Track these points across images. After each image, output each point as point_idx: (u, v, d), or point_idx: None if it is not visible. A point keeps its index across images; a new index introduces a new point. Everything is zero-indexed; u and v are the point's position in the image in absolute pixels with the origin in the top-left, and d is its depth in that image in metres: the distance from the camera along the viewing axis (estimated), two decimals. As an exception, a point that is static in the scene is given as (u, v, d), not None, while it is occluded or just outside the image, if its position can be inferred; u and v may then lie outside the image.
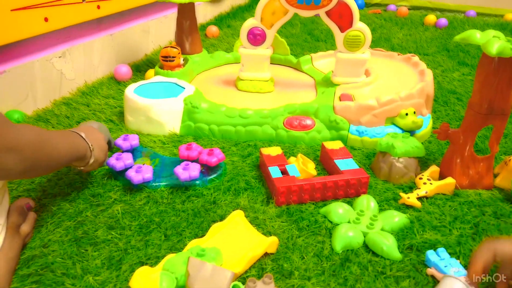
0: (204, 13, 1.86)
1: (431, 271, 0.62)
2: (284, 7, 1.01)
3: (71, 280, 0.61)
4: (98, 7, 1.20)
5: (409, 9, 2.11)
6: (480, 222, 0.72)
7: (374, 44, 1.61)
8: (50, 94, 1.13)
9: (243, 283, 0.60)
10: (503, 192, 0.80)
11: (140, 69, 1.37)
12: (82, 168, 0.75)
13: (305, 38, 1.72)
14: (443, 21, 1.85)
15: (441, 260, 0.63)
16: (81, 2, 1.15)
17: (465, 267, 0.63)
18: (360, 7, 2.21)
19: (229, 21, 1.93)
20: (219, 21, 1.91)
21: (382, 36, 1.74)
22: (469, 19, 1.94)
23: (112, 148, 0.90)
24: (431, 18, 1.88)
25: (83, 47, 1.22)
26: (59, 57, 1.15)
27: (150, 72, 1.26)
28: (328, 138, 0.97)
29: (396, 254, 0.66)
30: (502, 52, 0.69)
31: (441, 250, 0.65)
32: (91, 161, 0.74)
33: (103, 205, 0.77)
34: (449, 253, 0.65)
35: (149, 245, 0.68)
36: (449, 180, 0.79)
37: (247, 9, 2.13)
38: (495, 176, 0.84)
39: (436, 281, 0.61)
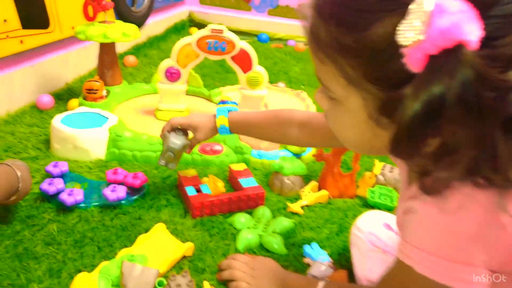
0: (121, 43, 1.98)
1: (306, 260, 0.85)
2: (195, 52, 1.21)
3: (18, 289, 0.72)
4: (21, 41, 1.29)
5: (305, 44, 2.45)
6: (344, 222, 0.98)
7: (275, 77, 1.88)
8: (-29, 123, 1.18)
9: (166, 279, 0.77)
10: (362, 199, 1.08)
11: (61, 97, 1.46)
12: (13, 199, 0.84)
13: (216, 69, 1.94)
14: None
15: (313, 251, 0.86)
16: (6, 38, 1.23)
17: (330, 255, 0.87)
18: (264, 41, 2.51)
19: (146, 50, 2.07)
20: (137, 50, 2.04)
21: (282, 69, 2.02)
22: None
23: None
24: (322, 54, 2.23)
25: (3, 78, 1.29)
26: (-19, 87, 1.21)
27: (74, 101, 1.36)
28: (235, 161, 1.18)
29: (283, 250, 0.88)
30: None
31: (314, 245, 0.89)
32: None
33: (38, 225, 0.88)
34: (320, 246, 0.89)
35: (84, 256, 0.81)
36: (323, 192, 1.05)
37: (163, 39, 2.29)
38: (358, 188, 1.12)
39: (310, 266, 0.84)
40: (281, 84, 1.64)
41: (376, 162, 1.09)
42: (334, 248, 0.90)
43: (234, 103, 0.94)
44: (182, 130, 0.94)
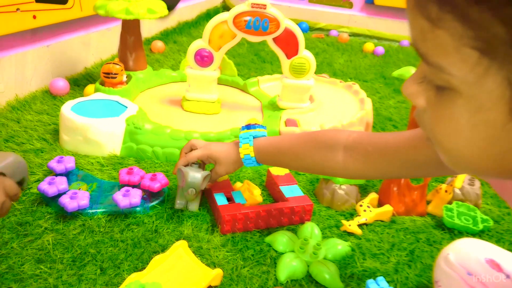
0: (149, 27, 1.81)
1: (371, 300, 0.64)
2: (232, 31, 1.02)
3: (-9, 324, 0.55)
4: (34, 17, 1.13)
5: (349, 35, 2.22)
6: (415, 249, 0.76)
7: (318, 68, 1.66)
8: (-26, 107, 1.04)
9: (185, 321, 0.58)
10: (434, 218, 0.85)
11: (78, 83, 1.30)
12: None
13: (251, 58, 1.74)
14: (380, 49, 1.96)
15: (380, 289, 0.65)
16: (15, 11, 1.07)
17: (402, 295, 0.66)
18: (304, 31, 2.29)
19: (175, 36, 1.90)
20: (165, 36, 1.87)
21: (325, 60, 1.80)
22: (403, 49, 2.08)
23: (23, 188, 0.79)
24: (369, 46, 1.99)
25: (15, 57, 1.13)
26: (-13, 67, 1.06)
27: (90, 87, 1.19)
28: (273, 163, 0.97)
29: (338, 284, 0.67)
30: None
31: (380, 279, 0.67)
32: None
33: (31, 235, 0.70)
34: (387, 281, 0.68)
35: (82, 280, 0.63)
36: (387, 208, 0.83)
37: (194, 25, 2.12)
38: (428, 202, 0.89)
39: (375, 310, 0.63)
40: (326, 76, 1.42)
41: (456, 172, 0.86)
42: (406, 284, 0.68)
43: (262, 127, 0.75)
44: (199, 163, 0.80)
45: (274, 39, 1.03)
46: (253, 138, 0.73)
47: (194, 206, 0.79)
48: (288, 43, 1.03)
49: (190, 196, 0.75)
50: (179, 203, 0.77)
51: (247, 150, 0.73)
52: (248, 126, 0.76)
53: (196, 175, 0.75)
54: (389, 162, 0.59)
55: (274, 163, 0.75)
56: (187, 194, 0.75)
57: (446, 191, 0.86)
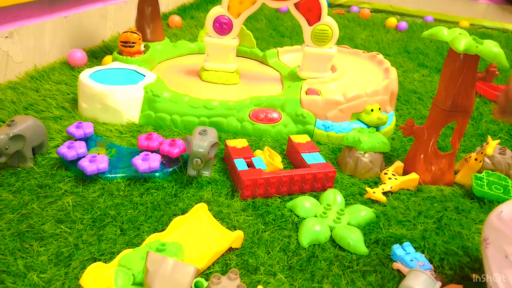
0: (166, 2, 1.79)
1: (397, 265, 0.62)
2: (252, -4, 0.98)
3: (12, 278, 0.55)
4: (52, -15, 1.12)
5: (371, 11, 2.15)
6: (443, 217, 0.73)
7: (338, 43, 1.61)
8: (-6, 77, 1.04)
9: (207, 280, 0.56)
10: (463, 188, 0.82)
11: (96, 55, 1.29)
12: None
13: (270, 33, 1.70)
14: (404, 24, 1.89)
15: (407, 255, 0.62)
16: (32, -22, 1.06)
17: (430, 261, 0.63)
18: (324, 7, 2.23)
19: (192, 12, 1.87)
20: (182, 11, 1.85)
21: (346, 35, 1.75)
22: (427, 24, 2.01)
23: (43, 152, 0.80)
24: (392, 21, 1.92)
25: (33, 28, 1.13)
26: (6, 37, 1.05)
27: (108, 58, 1.18)
28: (294, 132, 0.95)
29: (362, 249, 0.64)
30: (469, 49, 0.69)
31: (407, 244, 0.65)
32: None
33: (51, 196, 0.70)
34: (414, 247, 0.65)
35: (102, 240, 0.62)
36: (413, 176, 0.80)
37: (211, 1, 2.08)
38: (456, 172, 0.85)
39: (402, 275, 0.61)
40: (347, 47, 1.37)
41: (489, 139, 0.82)
42: (433, 251, 0.65)
43: None
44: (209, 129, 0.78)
45: (296, 5, 1.00)
46: None
47: (207, 172, 0.77)
48: (311, 9, 1.00)
49: (196, 166, 0.73)
50: (190, 172, 0.74)
51: None
52: None
53: (201, 144, 0.73)
54: None
55: None
56: (193, 164, 0.73)
57: (476, 160, 0.82)
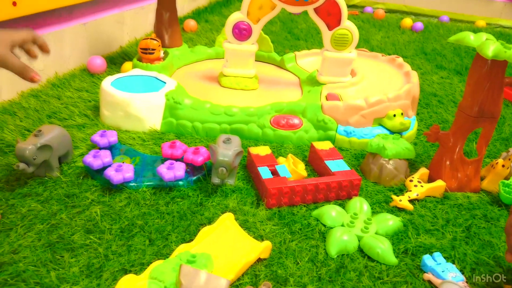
0: (181, 6, 1.79)
1: (428, 276, 0.61)
2: (272, 1, 0.98)
3: (46, 291, 0.55)
4: (71, -7, 1.13)
5: (385, 12, 2.13)
6: (472, 225, 0.72)
7: (354, 45, 1.60)
8: (16, 85, 1.05)
9: (238, 292, 0.56)
10: (490, 195, 0.81)
11: (114, 61, 1.30)
12: None
13: (285, 36, 1.70)
14: (419, 25, 1.87)
15: (438, 265, 0.62)
16: (53, -13, 1.07)
17: (461, 271, 0.62)
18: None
19: (207, 15, 1.87)
20: (197, 15, 1.85)
21: (361, 37, 1.74)
22: (443, 24, 1.98)
23: (68, 161, 0.81)
24: (407, 21, 1.90)
25: (53, 35, 1.14)
26: (27, 45, 1.06)
27: (127, 64, 1.19)
28: (316, 138, 0.94)
29: (392, 259, 0.64)
30: (498, 54, 0.68)
31: (437, 255, 0.64)
32: None
33: (79, 206, 0.70)
34: (444, 257, 0.64)
35: (132, 251, 0.63)
36: (440, 183, 0.79)
37: (225, 5, 2.08)
38: (481, 179, 0.84)
39: (433, 286, 0.60)
40: (366, 50, 1.36)
41: (516, 145, 0.81)
42: (464, 261, 0.64)
43: None
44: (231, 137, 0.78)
45: (316, 10, 0.99)
46: None
47: (231, 180, 0.78)
48: (330, 14, 0.99)
49: (221, 175, 0.73)
50: (214, 180, 0.75)
51: None
52: None
53: (226, 153, 0.73)
54: None
55: None
56: (218, 172, 0.73)
57: (503, 166, 0.81)
